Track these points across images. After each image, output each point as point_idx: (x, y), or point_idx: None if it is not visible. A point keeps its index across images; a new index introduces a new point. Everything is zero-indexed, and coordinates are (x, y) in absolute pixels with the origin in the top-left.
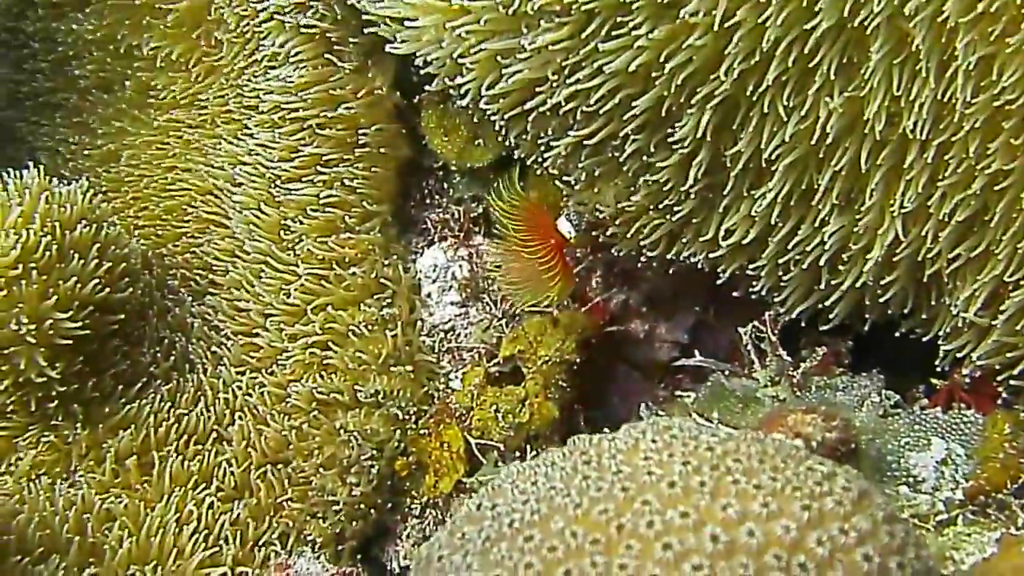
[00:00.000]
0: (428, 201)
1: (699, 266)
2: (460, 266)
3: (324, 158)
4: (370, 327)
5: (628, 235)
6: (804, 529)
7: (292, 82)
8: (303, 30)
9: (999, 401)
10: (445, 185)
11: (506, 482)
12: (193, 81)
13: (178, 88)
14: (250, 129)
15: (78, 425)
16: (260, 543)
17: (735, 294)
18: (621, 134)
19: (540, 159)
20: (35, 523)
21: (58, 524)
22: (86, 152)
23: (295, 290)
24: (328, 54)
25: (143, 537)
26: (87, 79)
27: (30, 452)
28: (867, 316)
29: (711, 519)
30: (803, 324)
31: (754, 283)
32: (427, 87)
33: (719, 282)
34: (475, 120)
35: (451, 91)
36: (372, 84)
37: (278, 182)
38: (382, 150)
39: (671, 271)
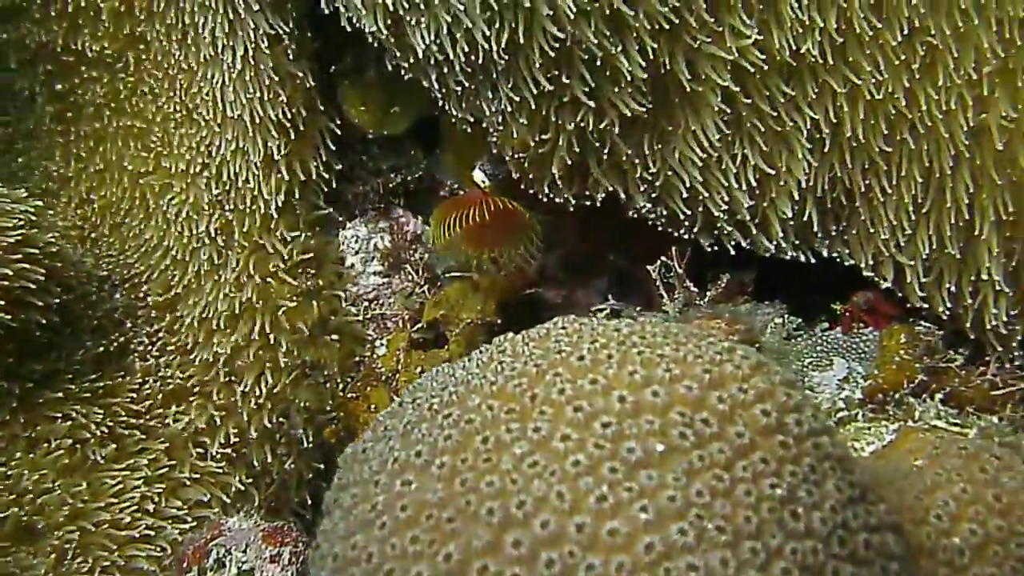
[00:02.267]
0: (347, 175)
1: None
2: (381, 237)
3: (248, 137)
4: (295, 298)
5: (540, 175)
6: (706, 388)
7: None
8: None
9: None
10: (364, 158)
11: (426, 379)
12: (123, 79)
13: (109, 87)
14: (185, 120)
15: (12, 414)
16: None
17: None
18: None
19: (459, 107)
20: None
21: None
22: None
23: (225, 269)
24: (247, 32)
25: (79, 516)
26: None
27: None
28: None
29: (618, 384)
30: (709, 261)
31: (661, 217)
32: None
33: (630, 213)
34: (390, 89)
35: (367, 58)
36: (297, 59)
37: (207, 156)
38: (302, 124)
39: (587, 234)
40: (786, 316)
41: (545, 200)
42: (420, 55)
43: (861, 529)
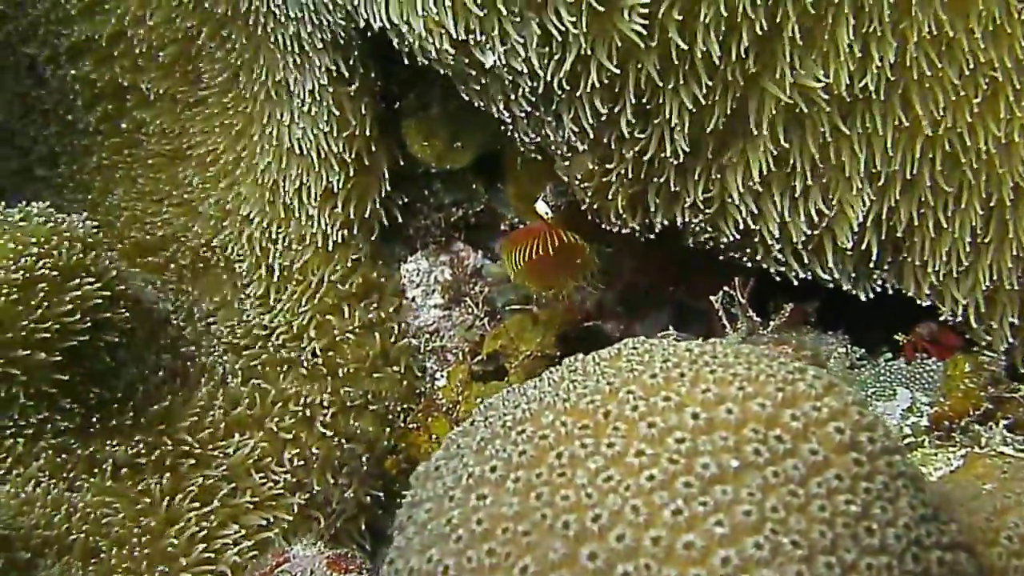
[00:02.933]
0: (409, 209)
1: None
2: (442, 270)
3: (314, 170)
4: (358, 331)
5: (605, 204)
6: (779, 407)
7: (275, 101)
8: (285, 42)
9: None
10: (426, 192)
11: (497, 399)
12: (181, 115)
13: (168, 123)
14: (244, 152)
15: (79, 438)
16: (256, 544)
17: (706, 267)
18: (600, 103)
19: (524, 136)
20: (37, 523)
21: (60, 524)
22: (84, 193)
23: (287, 302)
24: (312, 67)
25: (139, 540)
26: (87, 121)
27: (35, 463)
28: (837, 279)
29: (692, 402)
30: (771, 290)
31: (723, 248)
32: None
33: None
34: (453, 123)
35: (431, 93)
36: (360, 95)
37: (270, 200)
38: (370, 160)
39: (646, 267)
40: (849, 346)
41: (608, 231)
42: (486, 81)
43: (935, 547)
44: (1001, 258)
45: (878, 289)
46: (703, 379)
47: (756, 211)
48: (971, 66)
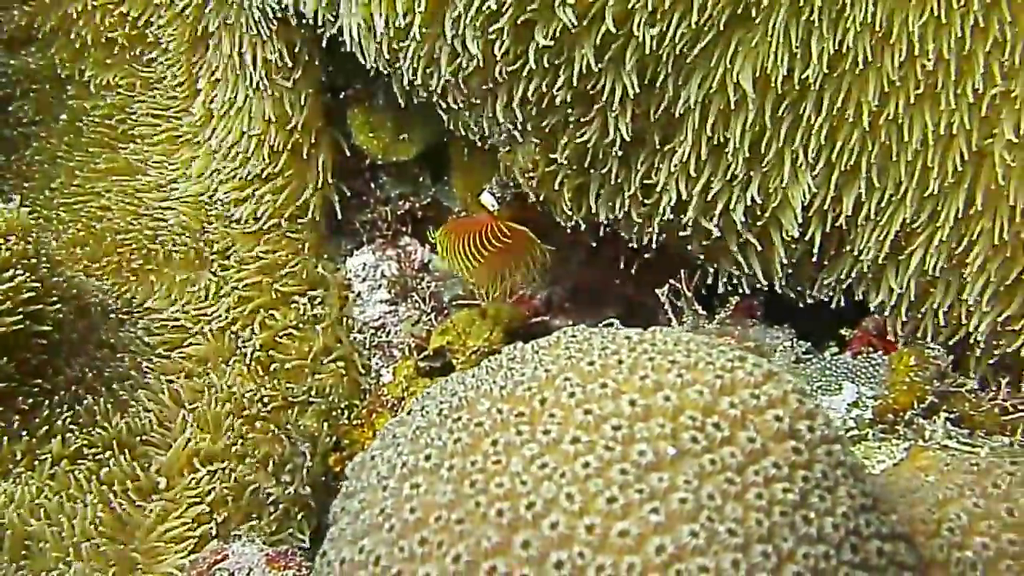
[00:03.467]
0: (356, 202)
1: (620, 224)
2: (389, 265)
3: (257, 159)
4: (301, 325)
5: (549, 196)
6: (717, 394)
7: (220, 91)
8: (228, 30)
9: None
10: (372, 186)
11: (435, 388)
12: (124, 105)
13: (112, 112)
14: (179, 147)
15: (11, 433)
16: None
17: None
18: (543, 92)
19: (467, 127)
20: None
21: None
22: (23, 183)
23: (228, 295)
24: (257, 57)
25: (78, 534)
26: (24, 112)
27: None
28: (779, 273)
29: (629, 388)
30: (718, 288)
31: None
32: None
33: (632, 242)
34: (399, 116)
35: (376, 85)
36: (301, 85)
37: (211, 191)
38: (310, 150)
39: (594, 263)
40: (795, 340)
41: (556, 225)
42: (419, 79)
43: (874, 537)
44: (931, 247)
45: (816, 296)
46: (641, 366)
47: (697, 201)
48: (904, 57)
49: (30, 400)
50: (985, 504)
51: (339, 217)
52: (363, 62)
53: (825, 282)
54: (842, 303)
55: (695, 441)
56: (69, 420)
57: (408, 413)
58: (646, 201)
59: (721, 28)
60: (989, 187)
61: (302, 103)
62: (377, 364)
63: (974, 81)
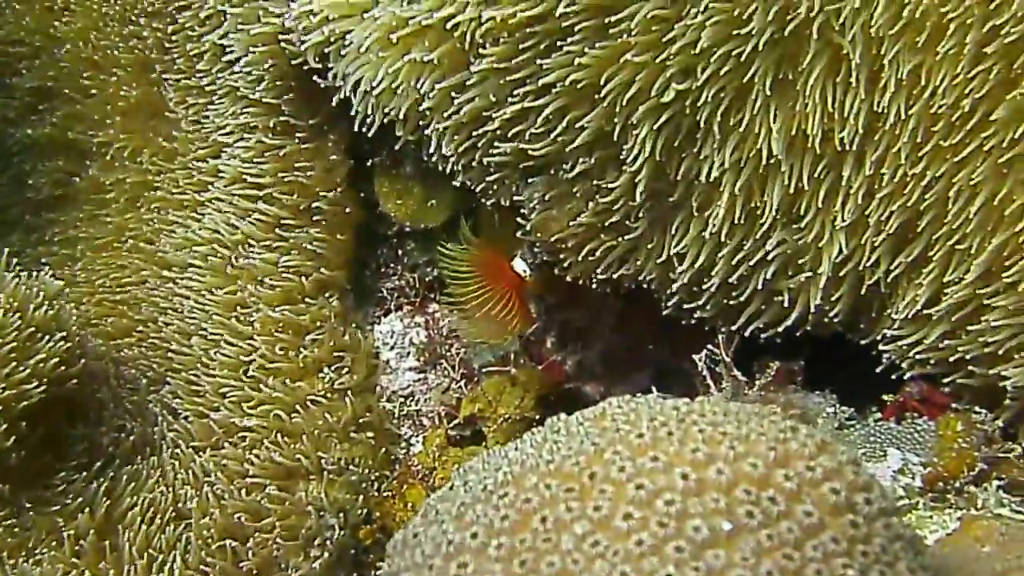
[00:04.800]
0: (383, 270)
1: (651, 289)
2: (417, 332)
3: (281, 224)
4: (329, 395)
5: (580, 260)
6: (771, 467)
7: (247, 154)
8: (254, 102)
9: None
10: (399, 252)
11: (477, 462)
12: (144, 173)
13: (130, 182)
14: (205, 208)
15: (38, 506)
16: None
17: (686, 326)
18: (569, 155)
19: (493, 194)
20: None
21: None
22: (42, 260)
23: (253, 362)
24: (281, 123)
25: None
26: (41, 186)
27: None
28: (812, 333)
29: (681, 462)
30: (755, 349)
31: (701, 310)
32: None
33: (666, 309)
34: (427, 182)
35: (403, 152)
36: (327, 151)
37: (236, 250)
38: (337, 217)
39: (624, 328)
40: (838, 406)
41: (586, 291)
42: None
43: None
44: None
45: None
46: (692, 438)
47: (727, 267)
48: (934, 111)
49: (60, 473)
50: None
51: (367, 285)
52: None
53: (864, 341)
54: (889, 371)
55: (751, 516)
56: (101, 491)
57: (450, 488)
58: (676, 266)
59: (758, 91)
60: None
61: (332, 168)
62: (407, 433)
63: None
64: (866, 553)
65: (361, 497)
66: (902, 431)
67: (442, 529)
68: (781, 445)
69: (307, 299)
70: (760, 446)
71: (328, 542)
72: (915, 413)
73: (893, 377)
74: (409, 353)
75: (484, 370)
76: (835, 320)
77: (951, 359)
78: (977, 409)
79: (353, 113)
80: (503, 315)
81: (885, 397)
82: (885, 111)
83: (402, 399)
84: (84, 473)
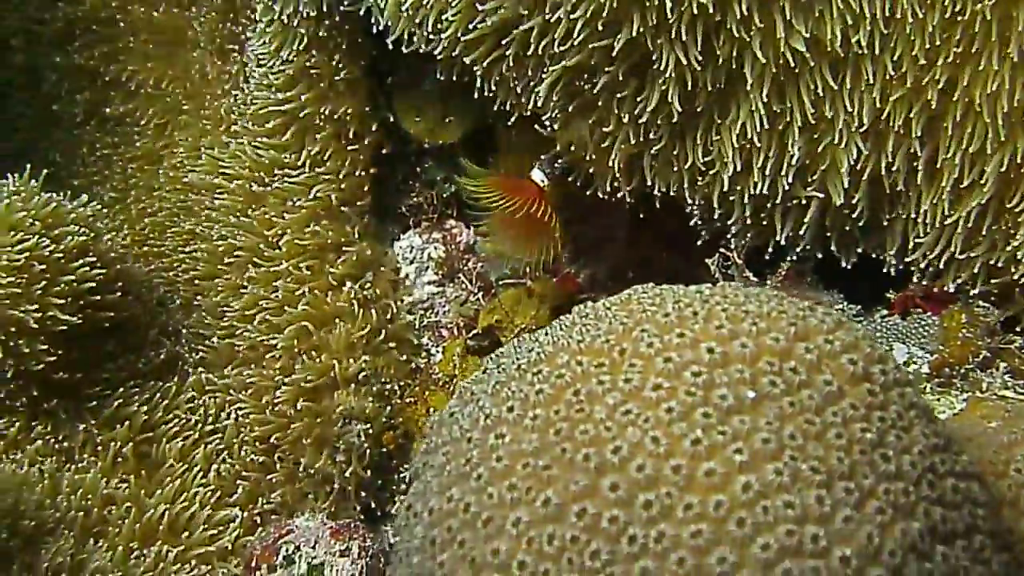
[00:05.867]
0: (401, 187)
1: (669, 200)
2: (435, 247)
3: (305, 144)
4: (353, 309)
5: (601, 170)
6: (792, 340)
7: (271, 76)
8: (281, 24)
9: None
10: (417, 170)
11: (508, 348)
12: (171, 100)
13: (157, 109)
14: (233, 133)
15: (76, 419)
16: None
17: (698, 236)
18: (595, 64)
19: (516, 104)
20: (39, 501)
21: (62, 503)
22: (74, 181)
23: (281, 281)
24: (306, 45)
25: (145, 518)
26: (73, 113)
27: (32, 445)
28: (829, 238)
29: (706, 337)
30: (766, 256)
31: (725, 220)
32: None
33: (692, 218)
34: (444, 99)
35: (421, 70)
36: (349, 71)
37: (262, 172)
38: (358, 136)
39: (636, 242)
40: (845, 304)
41: (601, 203)
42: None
43: (948, 475)
44: (978, 205)
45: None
46: (716, 316)
47: (742, 170)
48: (950, 14)
49: (97, 388)
50: None
51: (387, 202)
52: (401, 42)
53: (876, 244)
54: (893, 270)
55: (774, 385)
56: (137, 405)
57: (484, 371)
58: (703, 172)
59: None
60: None
61: (350, 89)
62: (427, 344)
63: (1020, 42)
64: (883, 419)
65: (385, 405)
66: (907, 326)
67: (479, 406)
68: (801, 321)
69: (331, 218)
70: (781, 322)
71: (356, 449)
72: (919, 309)
73: (896, 276)
74: (428, 267)
75: (501, 283)
76: (856, 226)
77: (970, 265)
78: (980, 303)
79: (377, 28)
80: (533, 226)
81: (889, 294)
82: (902, 14)
83: (422, 311)
84: (120, 389)
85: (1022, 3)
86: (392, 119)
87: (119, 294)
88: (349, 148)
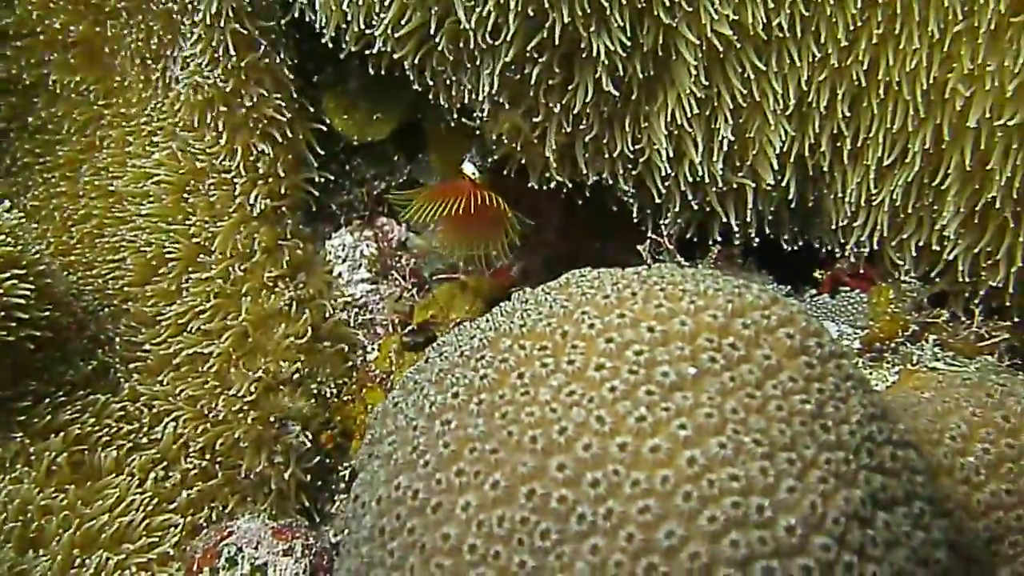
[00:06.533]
0: (332, 186)
1: (602, 188)
2: (367, 245)
3: (233, 146)
4: (286, 308)
5: (533, 160)
6: (730, 317)
7: (201, 81)
8: (206, 27)
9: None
10: (347, 167)
11: (450, 336)
12: (93, 106)
13: (80, 116)
14: (159, 139)
15: (7, 431)
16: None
17: (629, 223)
18: (526, 53)
19: (448, 98)
20: None
21: None
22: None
23: (214, 286)
24: (230, 44)
25: (83, 527)
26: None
27: None
28: (763, 221)
29: (646, 316)
30: (694, 240)
31: (652, 205)
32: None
33: (623, 207)
34: (372, 96)
35: (349, 67)
36: (275, 70)
37: (189, 177)
38: (287, 136)
39: (568, 232)
40: (775, 284)
41: (532, 192)
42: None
43: (886, 443)
44: (904, 182)
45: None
46: (654, 296)
47: (674, 155)
48: None
49: (28, 400)
50: (982, 413)
51: (317, 201)
52: (331, 40)
53: (806, 226)
54: (824, 250)
55: (714, 361)
56: (69, 415)
57: (426, 360)
58: (636, 161)
59: None
60: (953, 120)
61: (277, 89)
62: (362, 342)
63: (938, 19)
64: (821, 390)
65: (321, 404)
66: (836, 304)
67: (423, 394)
68: (737, 298)
69: (262, 219)
70: (718, 299)
71: (292, 449)
72: (847, 288)
73: (824, 257)
74: (361, 265)
75: (435, 278)
76: (787, 208)
77: (903, 247)
78: (906, 279)
79: (305, 27)
80: (481, 217)
81: (817, 274)
82: None
83: (357, 309)
84: (52, 400)
85: None
86: (321, 118)
87: (48, 305)
88: (278, 148)
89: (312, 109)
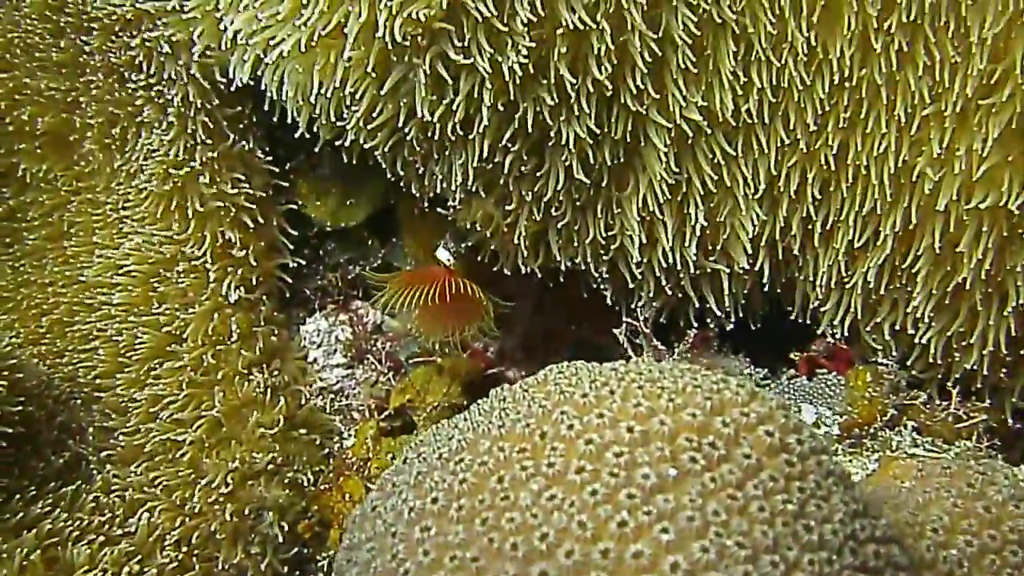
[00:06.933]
0: (306, 271)
1: (575, 272)
2: (342, 329)
3: (204, 233)
4: (261, 396)
5: (506, 248)
6: (709, 415)
7: (171, 169)
8: (176, 114)
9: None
10: (320, 252)
11: (428, 435)
12: (63, 195)
13: (48, 204)
14: (125, 226)
15: None
16: None
17: (604, 305)
18: (497, 142)
19: (420, 187)
20: None
21: None
22: None
23: (187, 375)
24: (202, 133)
25: None
26: None
27: None
28: (731, 305)
29: (625, 416)
30: (668, 323)
31: (626, 290)
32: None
33: (598, 288)
34: (345, 182)
35: (321, 154)
36: (248, 158)
37: (160, 265)
38: (260, 222)
39: (543, 312)
40: (753, 366)
41: (506, 277)
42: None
43: (869, 540)
44: (875, 264)
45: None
46: (632, 394)
47: (646, 241)
48: (838, 81)
49: None
50: (963, 504)
51: (291, 286)
52: (301, 128)
53: (780, 308)
54: (805, 322)
55: (694, 461)
56: (41, 510)
57: (404, 461)
58: (608, 248)
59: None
60: (922, 203)
61: (250, 175)
62: (339, 428)
63: (905, 104)
64: (803, 489)
65: (298, 493)
66: (814, 387)
67: (402, 498)
68: (716, 395)
69: (235, 306)
70: (697, 397)
71: (270, 540)
72: (824, 369)
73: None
74: (336, 350)
75: (411, 361)
76: (761, 291)
77: (869, 323)
78: (882, 361)
79: (275, 115)
80: (456, 303)
81: (793, 355)
82: (789, 82)
83: (332, 395)
84: (23, 495)
85: (908, 65)
86: (294, 201)
87: (20, 399)
88: (251, 234)
89: (285, 194)
